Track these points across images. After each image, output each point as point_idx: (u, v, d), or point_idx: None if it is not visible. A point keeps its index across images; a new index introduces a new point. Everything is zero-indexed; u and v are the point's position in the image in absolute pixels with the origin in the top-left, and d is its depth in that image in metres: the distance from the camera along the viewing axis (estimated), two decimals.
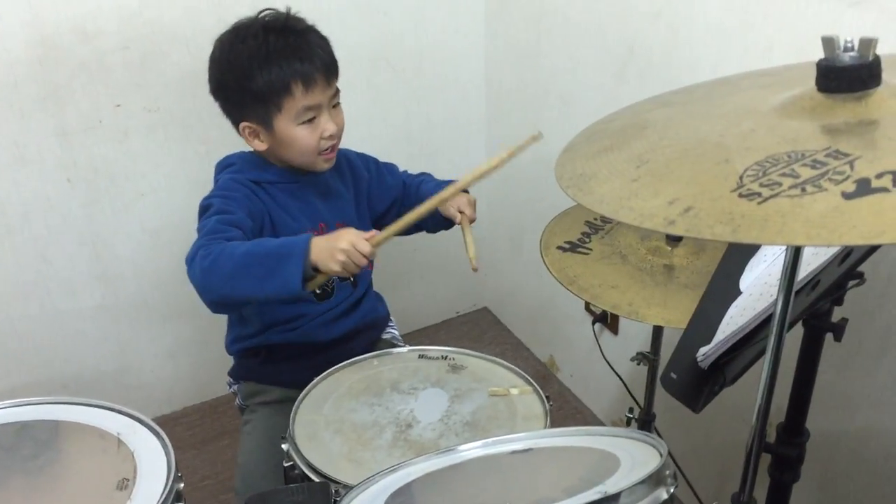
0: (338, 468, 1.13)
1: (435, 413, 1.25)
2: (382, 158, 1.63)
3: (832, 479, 1.48)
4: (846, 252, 0.95)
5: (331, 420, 1.24)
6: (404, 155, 2.06)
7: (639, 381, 1.66)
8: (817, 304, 1.00)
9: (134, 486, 1.07)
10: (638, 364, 1.51)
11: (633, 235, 1.36)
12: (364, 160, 1.58)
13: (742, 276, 1.02)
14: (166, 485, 1.06)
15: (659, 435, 1.56)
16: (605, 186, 0.57)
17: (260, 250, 1.22)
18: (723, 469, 1.73)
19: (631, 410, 1.55)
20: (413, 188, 1.58)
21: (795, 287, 0.77)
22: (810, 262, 0.93)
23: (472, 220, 1.43)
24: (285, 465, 1.18)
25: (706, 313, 0.99)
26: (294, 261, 1.19)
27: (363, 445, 1.18)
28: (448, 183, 1.49)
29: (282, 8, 1.39)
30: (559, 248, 1.33)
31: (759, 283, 0.96)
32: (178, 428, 2.19)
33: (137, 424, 1.20)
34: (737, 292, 1.00)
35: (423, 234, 1.56)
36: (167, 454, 1.14)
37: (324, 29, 1.40)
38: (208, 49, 1.83)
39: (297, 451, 1.17)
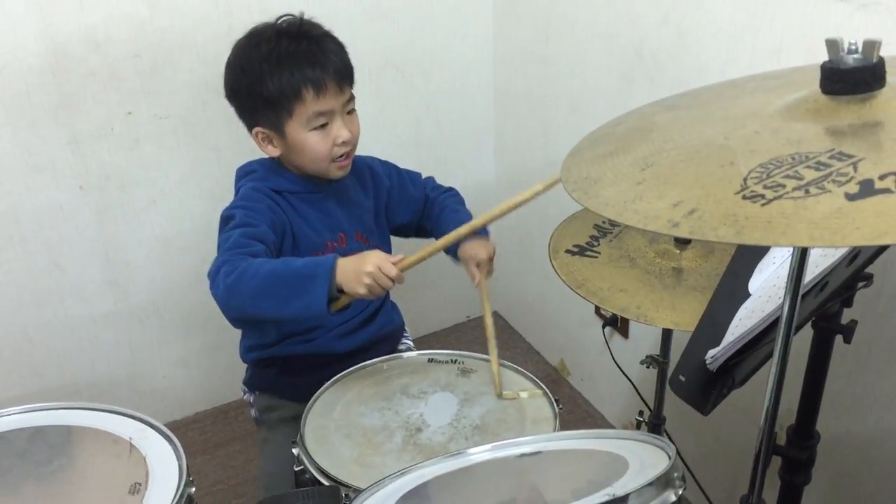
0: (348, 472, 1.13)
1: (444, 417, 1.25)
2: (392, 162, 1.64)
3: (844, 481, 1.47)
4: (854, 253, 0.95)
5: (341, 424, 1.25)
6: (413, 160, 2.05)
7: (649, 384, 1.65)
8: (826, 306, 1.00)
9: (146, 490, 1.08)
10: (647, 367, 1.51)
11: (641, 239, 1.36)
12: (387, 168, 1.57)
13: (751, 279, 1.02)
14: (178, 489, 1.07)
15: (669, 438, 1.56)
16: (610, 189, 0.57)
17: (285, 270, 1.21)
18: (733, 472, 1.73)
19: (641, 413, 1.55)
20: (435, 211, 1.57)
21: (803, 289, 0.77)
22: (818, 264, 0.93)
23: (490, 274, 1.43)
24: (296, 469, 1.19)
25: (715, 315, 0.99)
26: (319, 282, 1.18)
27: (373, 450, 1.19)
28: (468, 217, 1.50)
29: (297, 14, 1.40)
30: (568, 251, 1.33)
31: (769, 286, 0.96)
32: (189, 433, 2.20)
33: (149, 429, 1.21)
34: (745, 294, 1.00)
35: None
36: (179, 459, 1.14)
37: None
38: (218, 57, 1.84)
39: (308, 456, 1.17)
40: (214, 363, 2.20)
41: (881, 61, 0.68)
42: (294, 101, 1.31)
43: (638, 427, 1.52)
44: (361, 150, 1.51)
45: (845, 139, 0.61)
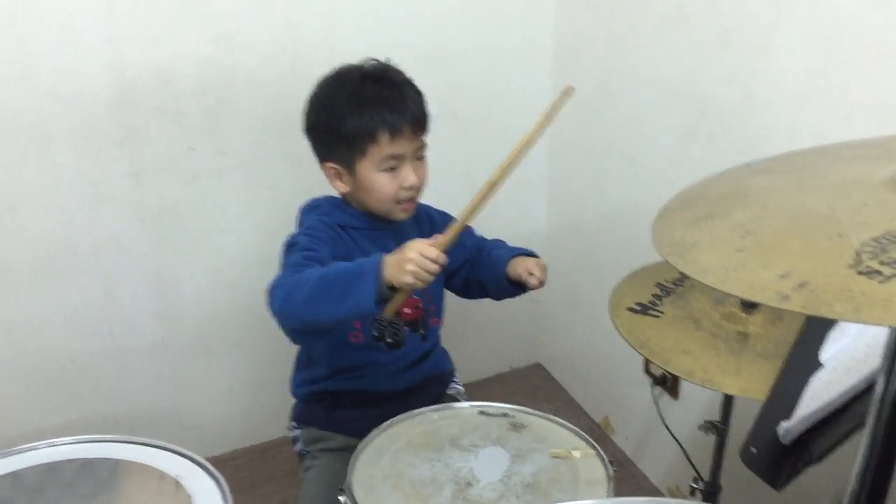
0: None
1: (495, 473, 1.22)
2: (444, 209, 1.63)
3: None
4: None
5: (388, 474, 1.22)
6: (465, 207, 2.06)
7: (699, 449, 1.60)
8: None
9: None
10: (705, 433, 1.46)
11: (706, 299, 1.33)
12: (444, 218, 1.59)
13: (822, 348, 0.98)
14: None
15: None
16: (708, 255, 0.55)
17: (333, 272, 1.23)
18: None
19: (696, 480, 1.50)
20: (486, 251, 1.58)
21: None
22: None
23: (541, 284, 1.42)
24: None
25: (786, 386, 0.95)
26: (367, 279, 1.19)
27: (422, 502, 1.16)
28: (518, 251, 1.49)
29: (381, 58, 1.43)
30: (629, 309, 1.30)
31: (846, 357, 0.93)
32: (227, 470, 2.13)
33: (196, 468, 1.20)
34: (816, 365, 0.96)
35: None
36: (224, 499, 1.13)
37: None
38: (280, 96, 1.89)
39: None
40: (257, 400, 2.20)
41: None
42: (369, 142, 1.35)
43: (692, 494, 1.47)
44: None
45: None
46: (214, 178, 1.93)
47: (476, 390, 2.44)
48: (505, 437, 1.31)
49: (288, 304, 1.24)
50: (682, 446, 1.70)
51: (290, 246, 1.37)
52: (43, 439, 1.26)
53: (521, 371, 2.61)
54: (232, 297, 2.03)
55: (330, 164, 1.41)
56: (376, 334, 1.39)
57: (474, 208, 1.26)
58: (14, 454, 1.22)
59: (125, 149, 1.81)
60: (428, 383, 1.53)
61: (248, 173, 1.96)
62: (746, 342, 1.22)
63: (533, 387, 2.54)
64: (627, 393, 2.17)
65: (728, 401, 1.42)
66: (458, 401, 1.53)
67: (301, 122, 1.44)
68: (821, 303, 0.47)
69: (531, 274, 1.41)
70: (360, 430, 1.31)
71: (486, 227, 1.71)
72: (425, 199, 1.58)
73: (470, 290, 1.60)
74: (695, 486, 1.47)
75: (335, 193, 1.46)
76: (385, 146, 1.35)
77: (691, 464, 1.67)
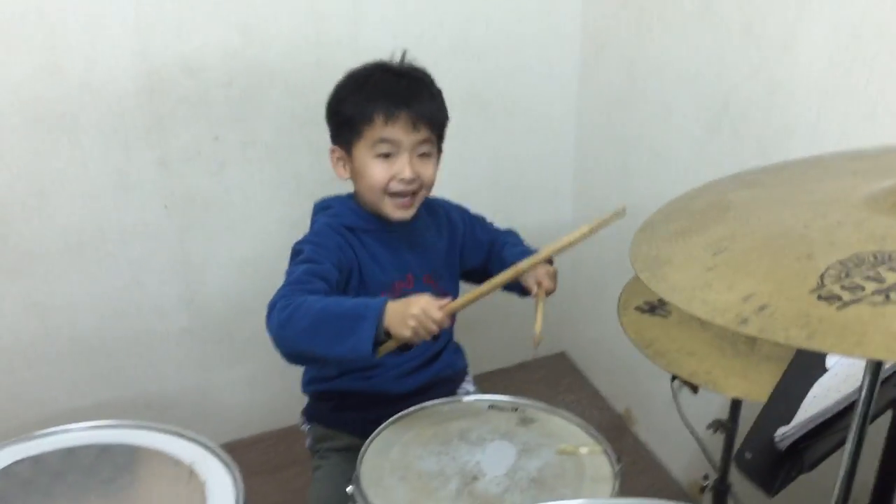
0: None
1: (501, 467, 1.23)
2: (467, 200, 1.64)
3: None
4: None
5: (397, 466, 1.24)
6: (490, 197, 2.06)
7: (718, 444, 1.60)
8: None
9: None
10: (714, 432, 1.46)
11: None
12: (460, 213, 1.59)
13: (829, 353, 0.97)
14: None
15: None
16: (679, 274, 0.55)
17: (335, 309, 1.22)
18: None
19: (706, 477, 1.49)
20: (497, 249, 1.57)
21: (884, 374, 0.73)
22: None
23: (550, 292, 1.41)
24: None
25: (787, 390, 0.95)
26: (367, 324, 1.19)
27: (428, 495, 1.18)
28: (529, 252, 1.48)
29: (391, 56, 1.44)
30: (637, 308, 1.30)
31: (847, 363, 0.92)
32: (251, 453, 2.23)
33: (210, 455, 1.23)
34: (822, 370, 0.96)
35: None
36: (237, 488, 1.16)
37: None
38: (305, 88, 1.91)
39: (362, 496, 1.17)
40: (281, 386, 2.22)
41: None
42: (364, 123, 1.35)
43: (702, 491, 1.47)
44: (440, 186, 1.51)
45: None
46: (239, 168, 1.95)
47: (498, 378, 2.45)
48: (513, 432, 1.32)
49: (285, 330, 1.23)
50: (699, 441, 1.70)
51: (296, 254, 1.37)
52: (73, 420, 1.29)
53: (544, 360, 2.61)
54: (255, 284, 2.06)
55: (334, 148, 1.43)
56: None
57: (492, 288, 1.28)
58: (35, 438, 1.26)
59: (152, 138, 1.84)
60: (437, 384, 1.51)
61: (272, 163, 1.98)
62: (754, 345, 1.22)
63: (556, 376, 2.54)
64: (649, 385, 2.16)
65: (737, 400, 1.41)
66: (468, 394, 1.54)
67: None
68: (777, 327, 0.47)
69: (539, 284, 1.40)
70: (365, 431, 1.31)
71: (513, 217, 1.72)
72: (450, 188, 1.59)
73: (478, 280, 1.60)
74: (704, 482, 1.47)
75: (351, 188, 1.47)
76: (379, 128, 1.34)
77: (708, 459, 1.66)
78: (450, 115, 2.10)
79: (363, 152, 1.37)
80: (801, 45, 1.45)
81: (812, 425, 0.87)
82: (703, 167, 1.78)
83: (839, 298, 0.48)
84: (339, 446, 1.48)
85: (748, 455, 0.88)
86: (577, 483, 1.20)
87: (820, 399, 0.91)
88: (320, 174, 1.90)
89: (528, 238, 1.64)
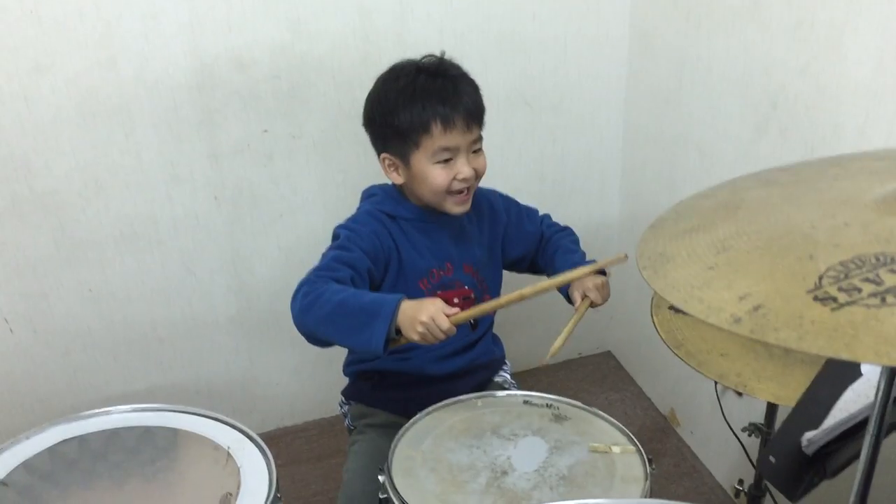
0: None
1: (532, 463, 1.24)
2: (513, 196, 1.65)
3: None
4: None
5: (428, 457, 1.26)
6: (536, 194, 2.06)
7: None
8: None
9: (236, 501, 1.13)
10: (749, 435, 1.44)
11: None
12: (506, 203, 1.60)
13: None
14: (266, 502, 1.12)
15: None
16: (680, 272, 0.55)
17: (354, 302, 1.28)
18: None
19: (741, 482, 1.47)
20: (549, 249, 1.58)
21: None
22: None
23: (595, 305, 1.42)
24: (381, 496, 1.21)
25: (818, 394, 0.93)
26: (380, 322, 1.24)
27: (457, 488, 1.19)
28: (580, 263, 1.48)
29: (438, 52, 1.45)
30: (671, 308, 1.29)
31: (877, 370, 0.90)
32: (297, 441, 2.27)
33: (246, 440, 1.27)
34: (857, 374, 0.94)
35: None
36: (270, 473, 1.19)
37: (466, 68, 1.45)
38: (352, 82, 1.93)
39: (392, 486, 1.19)
40: (326, 375, 2.26)
41: None
42: (422, 134, 1.37)
43: (736, 496, 1.45)
44: (486, 181, 1.52)
45: None
46: (287, 160, 1.99)
47: (542, 375, 2.45)
48: (546, 428, 1.33)
49: (306, 316, 1.30)
50: (742, 443, 1.67)
51: (334, 237, 1.43)
52: (124, 404, 1.35)
53: (590, 358, 2.60)
54: (302, 275, 2.09)
55: (386, 156, 1.43)
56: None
57: (502, 305, 1.33)
58: (81, 419, 1.31)
59: (203, 131, 1.89)
60: (474, 369, 1.54)
61: (319, 156, 2.01)
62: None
63: (601, 374, 2.53)
64: (694, 387, 2.14)
65: (773, 403, 1.39)
66: (503, 388, 1.55)
67: None
68: (769, 328, 0.47)
69: (584, 297, 1.41)
70: (403, 410, 1.37)
71: (561, 215, 1.71)
72: (494, 183, 1.61)
73: (533, 271, 1.63)
74: (739, 487, 1.45)
75: None
76: (438, 138, 1.36)
77: (751, 462, 1.64)
78: (496, 111, 2.11)
79: (422, 161, 1.39)
80: (849, 45, 1.41)
81: (838, 431, 0.85)
82: (750, 168, 1.74)
83: (835, 300, 0.47)
84: (377, 422, 1.52)
85: (772, 459, 0.87)
86: (607, 482, 1.20)
87: (850, 404, 0.89)
88: (366, 167, 1.92)
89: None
